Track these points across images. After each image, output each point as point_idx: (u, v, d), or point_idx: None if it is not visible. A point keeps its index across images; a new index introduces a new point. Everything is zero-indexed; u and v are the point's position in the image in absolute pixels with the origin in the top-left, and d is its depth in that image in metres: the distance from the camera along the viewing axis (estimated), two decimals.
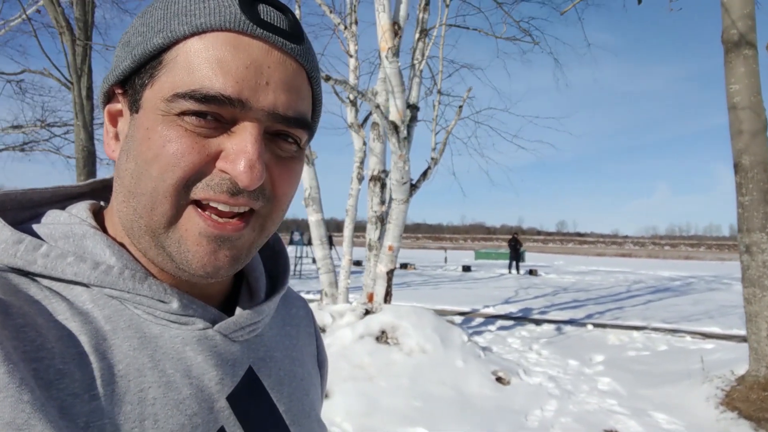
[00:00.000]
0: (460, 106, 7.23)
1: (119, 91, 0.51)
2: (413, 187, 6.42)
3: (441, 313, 9.83)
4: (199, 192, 0.46)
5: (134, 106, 0.49)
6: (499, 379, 5.47)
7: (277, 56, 0.47)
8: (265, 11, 0.48)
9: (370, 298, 6.47)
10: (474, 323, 9.12)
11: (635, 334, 8.11)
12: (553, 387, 5.45)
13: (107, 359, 0.44)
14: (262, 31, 0.46)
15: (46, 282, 0.47)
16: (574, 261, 35.05)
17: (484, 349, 6.22)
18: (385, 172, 7.11)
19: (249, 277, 0.61)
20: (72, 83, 9.40)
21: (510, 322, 9.19)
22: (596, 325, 8.88)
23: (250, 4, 0.47)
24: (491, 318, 9.63)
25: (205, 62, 0.45)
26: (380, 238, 6.63)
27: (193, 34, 0.46)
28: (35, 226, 0.51)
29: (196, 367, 0.49)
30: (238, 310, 0.55)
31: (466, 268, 22.50)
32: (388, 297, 6.39)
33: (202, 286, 0.53)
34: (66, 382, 0.41)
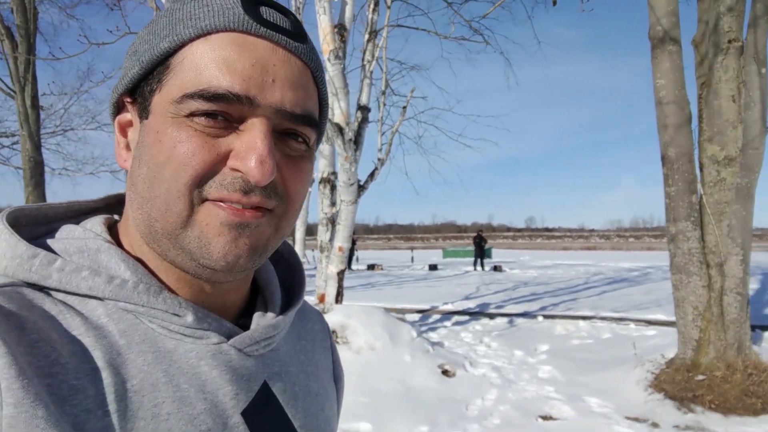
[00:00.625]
0: (404, 107, 7.37)
1: (128, 100, 0.52)
2: (361, 188, 6.52)
3: (401, 311, 9.96)
4: (212, 192, 0.46)
5: (144, 113, 0.49)
6: (444, 372, 5.60)
7: (282, 54, 0.48)
8: (268, 12, 0.49)
9: (322, 299, 6.53)
10: (431, 320, 9.26)
11: (581, 323, 8.37)
12: (496, 377, 5.61)
13: (121, 374, 0.44)
14: (265, 30, 0.47)
15: (60, 296, 0.47)
16: (540, 256, 35.69)
17: (434, 344, 6.35)
18: (335, 174, 7.19)
19: (264, 291, 0.61)
20: (15, 92, 9.20)
21: (465, 318, 9.36)
22: (546, 317, 9.13)
23: (253, 6, 0.48)
24: (448, 314, 9.79)
25: (211, 62, 0.45)
26: (331, 239, 6.70)
27: (198, 37, 0.47)
28: (50, 241, 0.51)
29: (211, 383, 0.49)
30: (254, 324, 0.55)
31: (433, 267, 22.71)
32: (339, 297, 6.46)
33: (218, 296, 0.53)
34: (79, 398, 0.41)
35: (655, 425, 4.40)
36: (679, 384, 4.90)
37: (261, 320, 0.56)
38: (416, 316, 9.52)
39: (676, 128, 5.18)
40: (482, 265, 22.21)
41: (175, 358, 0.48)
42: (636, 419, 4.52)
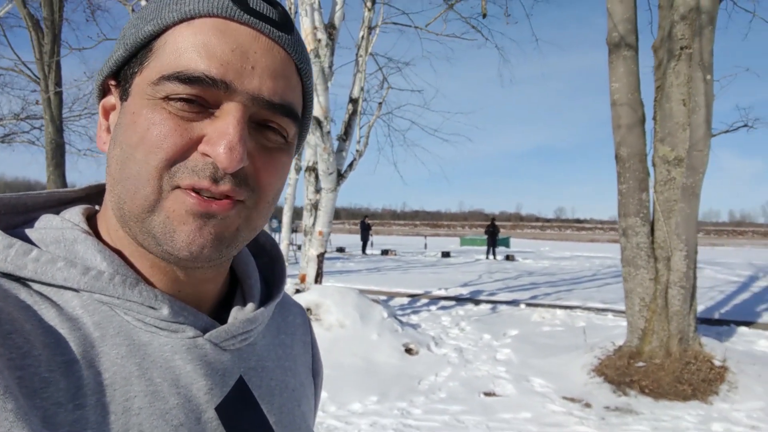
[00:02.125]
0: (380, 103, 7.75)
1: (113, 83, 0.52)
2: (341, 177, 6.97)
3: (392, 295, 10.43)
4: (184, 178, 0.45)
5: (124, 95, 0.49)
6: (408, 351, 6.06)
7: (265, 42, 0.47)
8: (255, 1, 0.48)
9: (303, 279, 7.05)
10: (419, 303, 9.70)
11: (559, 312, 8.70)
12: (456, 357, 6.04)
13: (94, 367, 0.44)
14: (249, 17, 0.47)
15: (36, 287, 0.46)
16: (562, 247, 35.51)
17: (404, 324, 6.80)
18: None
19: (243, 283, 0.60)
20: (40, 79, 9.95)
21: (452, 303, 9.77)
22: (529, 305, 9.48)
23: None
24: (437, 299, 10.22)
25: (191, 46, 0.45)
26: (314, 224, 7.19)
27: (182, 21, 0.47)
28: (27, 231, 0.51)
29: (185, 377, 0.49)
30: (231, 318, 0.55)
31: (446, 254, 23.06)
32: (318, 278, 6.96)
33: (194, 287, 0.53)
34: (51, 390, 0.41)
35: (587, 405, 4.78)
36: (619, 369, 5.25)
37: (239, 314, 0.56)
38: (405, 300, 9.98)
39: (628, 129, 5.46)
40: (494, 254, 22.46)
41: (149, 351, 0.48)
42: (572, 399, 4.90)
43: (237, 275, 0.61)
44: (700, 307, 9.59)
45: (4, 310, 0.42)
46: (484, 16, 7.47)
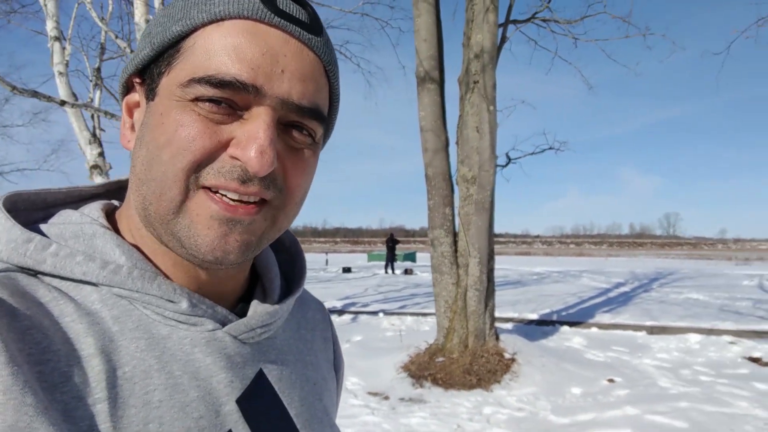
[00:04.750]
0: None
1: (137, 80, 0.52)
2: None
3: None
4: (209, 179, 0.45)
5: (151, 95, 0.49)
6: None
7: (295, 45, 0.47)
8: (284, 2, 0.48)
9: None
10: None
11: (409, 319, 9.40)
12: None
13: (113, 361, 0.44)
14: (279, 19, 0.47)
15: (55, 282, 0.47)
16: None
17: None
18: None
19: (264, 278, 0.60)
20: None
21: None
22: (387, 313, 10.13)
23: None
24: None
25: (221, 49, 0.45)
26: None
27: (211, 22, 0.46)
28: (46, 226, 0.51)
29: (205, 370, 0.49)
30: (251, 312, 0.55)
31: (346, 270, 23.53)
32: None
33: (215, 283, 0.53)
34: (70, 384, 0.41)
35: (386, 398, 5.35)
36: (422, 365, 5.89)
37: (258, 307, 0.56)
38: None
39: (434, 152, 6.19)
40: (392, 268, 23.16)
41: (168, 344, 0.48)
42: (375, 394, 5.45)
43: (257, 270, 0.62)
44: (545, 310, 10.63)
45: (22, 305, 0.42)
46: None
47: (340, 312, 10.47)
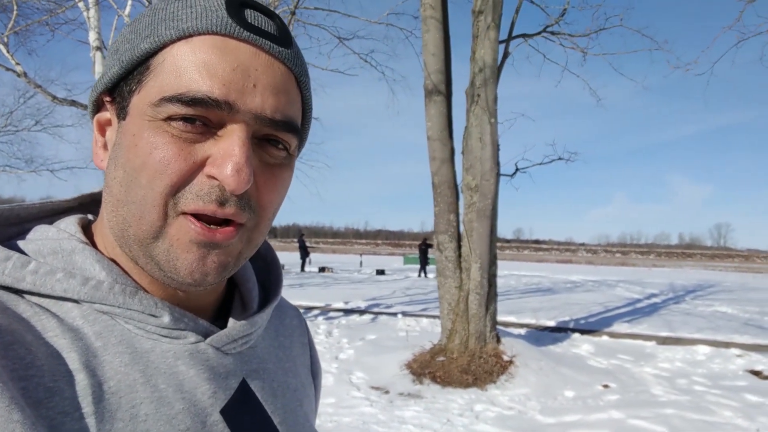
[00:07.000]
0: None
1: (107, 99, 0.51)
2: None
3: (297, 306, 11.23)
4: (189, 203, 0.46)
5: (122, 113, 0.49)
6: None
7: (265, 59, 0.47)
8: (252, 16, 0.48)
9: None
10: (310, 315, 10.57)
11: (425, 321, 9.70)
12: None
13: (98, 376, 0.44)
14: (248, 34, 0.47)
15: (35, 299, 0.46)
16: (506, 266, 36.80)
17: None
18: None
19: (241, 288, 0.61)
20: None
21: (340, 314, 10.68)
22: (405, 315, 10.46)
23: (237, 9, 0.47)
24: (328, 310, 11.14)
25: (191, 65, 0.45)
26: None
27: (180, 38, 0.46)
28: (23, 243, 0.51)
29: (189, 382, 0.49)
30: (231, 322, 0.55)
31: (380, 272, 23.94)
32: None
33: (193, 298, 0.53)
34: (56, 400, 0.41)
35: (386, 392, 5.69)
36: (423, 363, 6.20)
37: (238, 318, 0.56)
38: (301, 310, 10.82)
39: (440, 161, 6.51)
40: (425, 272, 23.40)
41: (152, 358, 0.48)
42: (377, 388, 5.81)
43: (235, 280, 0.62)
44: (565, 317, 10.73)
45: (4, 322, 0.42)
46: None
47: (362, 312, 10.87)
